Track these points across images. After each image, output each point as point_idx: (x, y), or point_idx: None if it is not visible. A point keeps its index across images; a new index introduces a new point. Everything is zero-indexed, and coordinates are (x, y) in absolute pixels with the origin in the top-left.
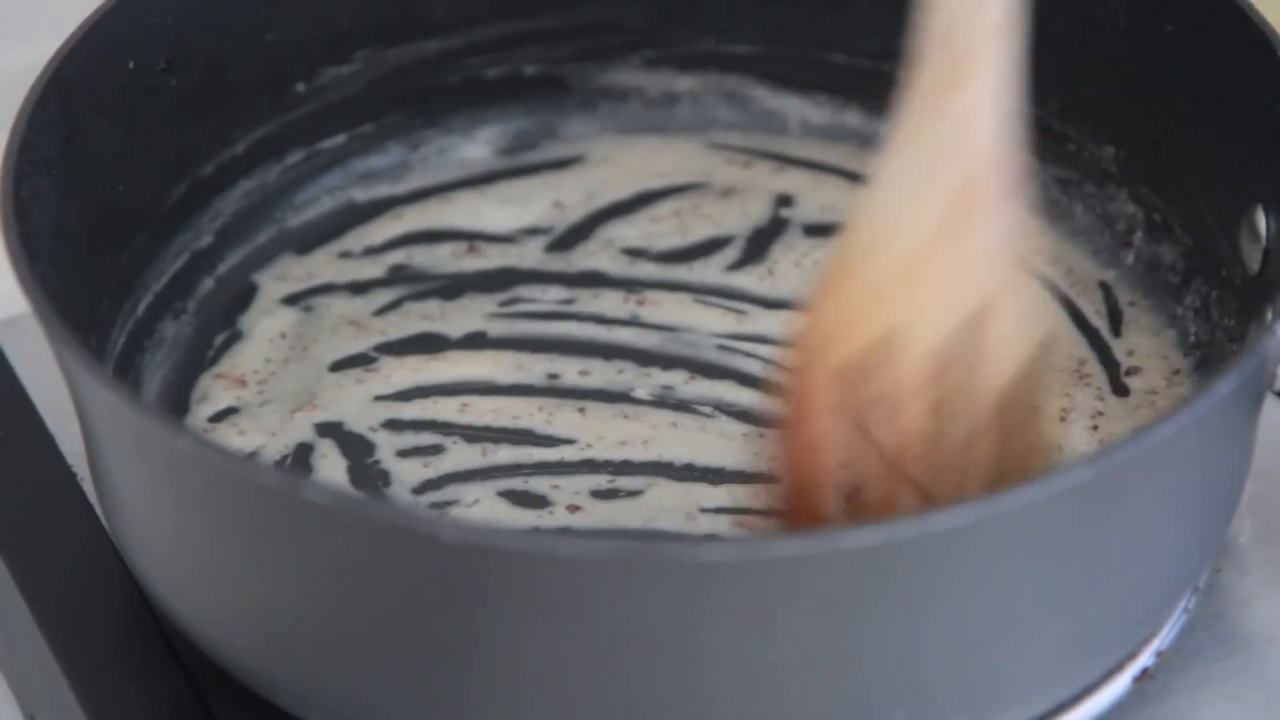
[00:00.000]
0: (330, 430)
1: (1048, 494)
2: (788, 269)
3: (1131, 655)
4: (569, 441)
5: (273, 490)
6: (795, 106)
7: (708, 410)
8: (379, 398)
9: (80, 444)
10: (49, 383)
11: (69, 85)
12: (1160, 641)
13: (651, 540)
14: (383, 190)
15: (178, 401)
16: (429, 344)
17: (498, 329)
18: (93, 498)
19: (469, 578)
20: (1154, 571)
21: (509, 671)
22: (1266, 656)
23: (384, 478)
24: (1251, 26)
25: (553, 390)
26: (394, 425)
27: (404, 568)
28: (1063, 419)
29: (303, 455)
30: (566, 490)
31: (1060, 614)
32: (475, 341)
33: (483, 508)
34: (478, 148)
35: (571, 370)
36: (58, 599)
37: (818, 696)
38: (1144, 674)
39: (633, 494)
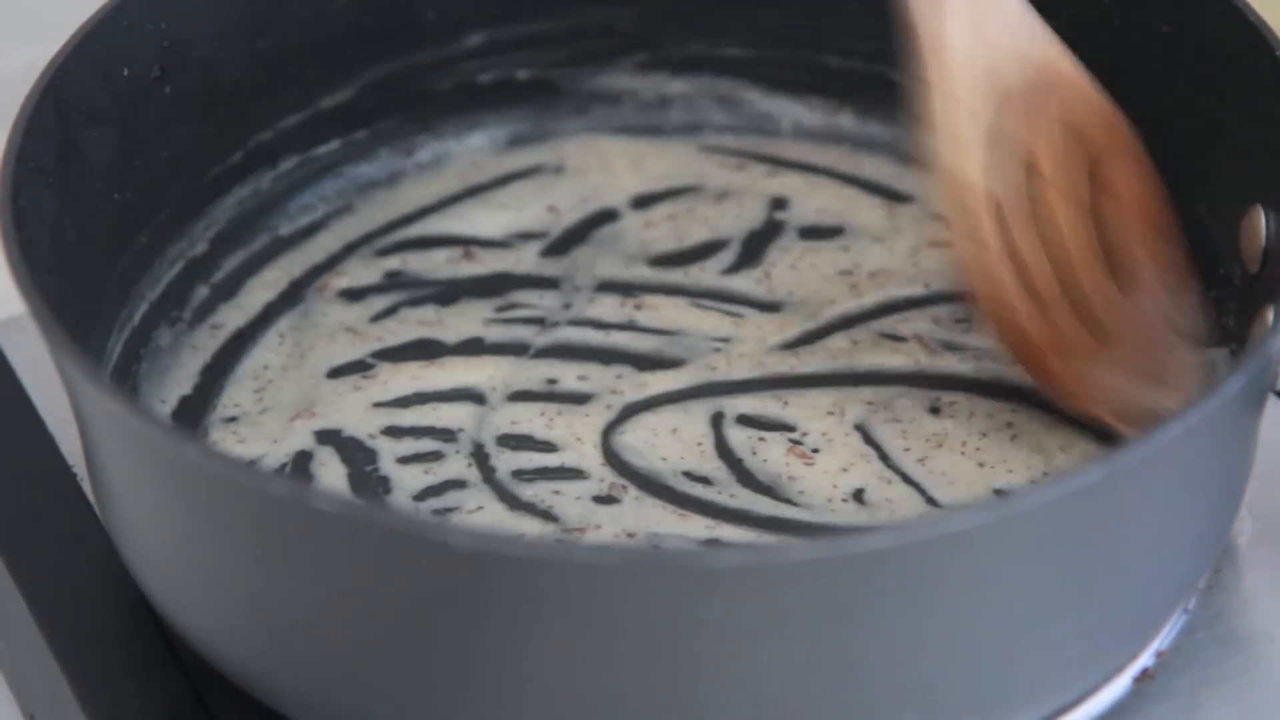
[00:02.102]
0: (329, 438)
1: (1058, 495)
2: (784, 272)
3: (1132, 655)
4: (569, 447)
5: (281, 499)
6: (788, 109)
7: None
8: (378, 404)
9: (80, 443)
10: (49, 383)
11: (64, 94)
12: (1160, 642)
13: (657, 545)
14: (377, 196)
15: (177, 411)
16: (426, 350)
17: (495, 334)
18: (93, 498)
19: (480, 585)
20: (1161, 570)
21: (518, 679)
22: (1266, 656)
23: (384, 484)
24: (1248, 26)
25: (552, 395)
26: (393, 432)
27: (414, 576)
28: None
29: (302, 463)
30: (568, 495)
31: (1068, 615)
32: (472, 347)
33: (485, 514)
34: (471, 153)
35: (570, 375)
36: (58, 599)
37: (828, 700)
38: (1144, 674)
39: (635, 498)
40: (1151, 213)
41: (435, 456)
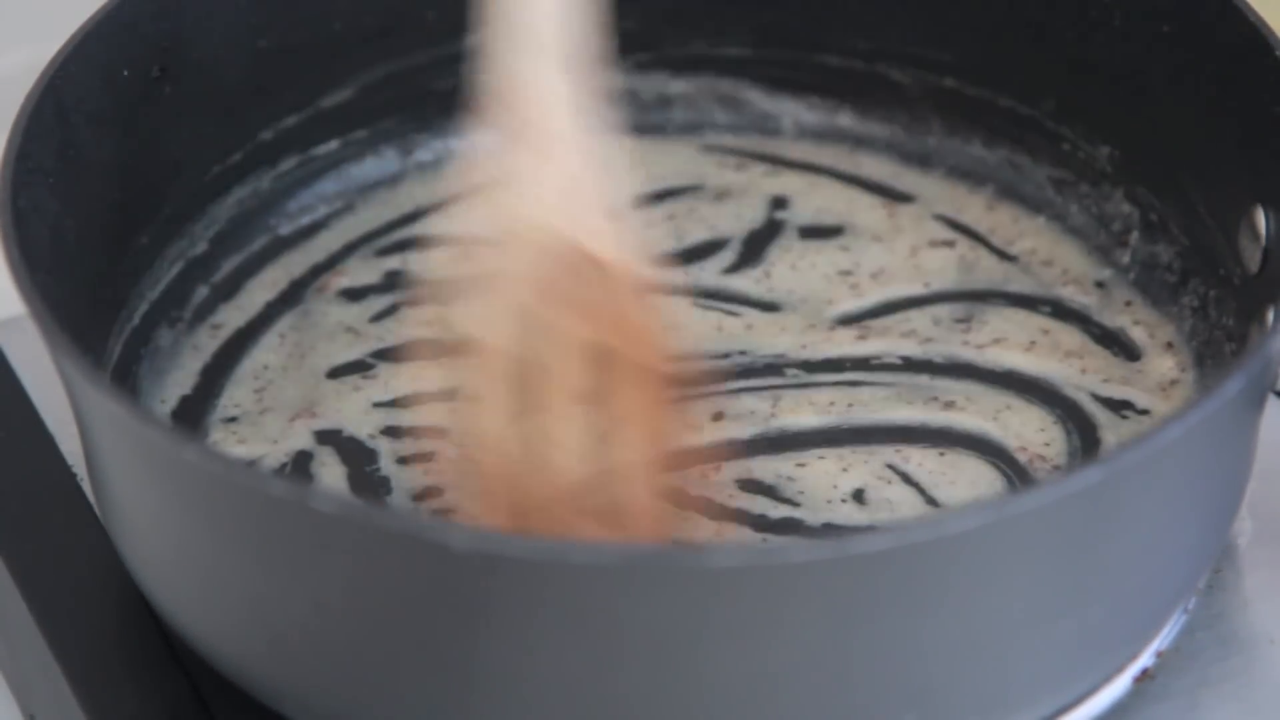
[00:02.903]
0: (330, 438)
1: (1058, 495)
2: (785, 271)
3: (1132, 655)
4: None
5: (281, 500)
6: (789, 108)
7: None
8: (378, 404)
9: (80, 443)
10: (49, 383)
11: (64, 94)
12: (1160, 642)
13: (658, 546)
14: (377, 196)
15: (178, 411)
16: (426, 350)
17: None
18: (93, 498)
19: (480, 586)
20: (1161, 570)
21: (517, 679)
22: (1266, 656)
23: (384, 485)
24: (1248, 25)
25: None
26: (393, 432)
27: (414, 576)
28: None
29: (302, 463)
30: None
31: (1068, 616)
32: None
33: None
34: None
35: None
36: (58, 599)
37: (828, 701)
38: (1144, 674)
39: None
40: (652, 389)
41: (435, 457)
